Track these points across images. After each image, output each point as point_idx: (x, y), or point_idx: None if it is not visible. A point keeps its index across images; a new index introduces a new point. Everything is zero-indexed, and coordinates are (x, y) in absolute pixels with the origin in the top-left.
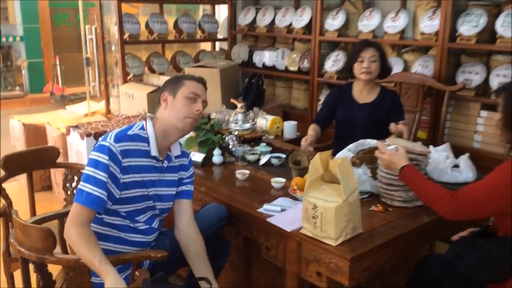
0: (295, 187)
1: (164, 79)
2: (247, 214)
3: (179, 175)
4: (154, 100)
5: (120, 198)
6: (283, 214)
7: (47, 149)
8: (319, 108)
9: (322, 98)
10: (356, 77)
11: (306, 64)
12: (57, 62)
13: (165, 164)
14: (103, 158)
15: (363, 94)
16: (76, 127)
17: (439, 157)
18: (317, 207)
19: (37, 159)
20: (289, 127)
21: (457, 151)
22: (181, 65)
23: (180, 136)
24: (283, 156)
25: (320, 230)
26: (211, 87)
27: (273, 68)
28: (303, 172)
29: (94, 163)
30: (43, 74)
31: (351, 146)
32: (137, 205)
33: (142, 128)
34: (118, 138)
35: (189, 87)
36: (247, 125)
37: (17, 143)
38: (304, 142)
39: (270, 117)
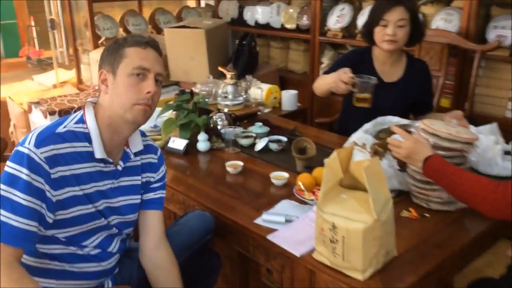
0: (302, 188)
1: None
2: (241, 227)
3: (143, 177)
4: None
5: (55, 221)
6: (288, 228)
7: None
8: (321, 72)
9: (324, 60)
10: (376, 44)
11: (305, 21)
12: (32, 23)
13: (120, 165)
14: (21, 172)
15: (386, 67)
16: (38, 103)
17: (486, 142)
18: (337, 229)
19: None
20: (288, 98)
21: (486, 121)
22: (161, 25)
23: (134, 128)
24: (284, 139)
25: (341, 259)
26: (195, 52)
27: (267, 26)
28: (309, 163)
29: (9, 180)
30: (18, 37)
31: (368, 125)
32: (82, 227)
33: (80, 120)
34: (41, 141)
35: (132, 58)
36: (239, 100)
37: None
38: (345, 77)
39: (265, 86)
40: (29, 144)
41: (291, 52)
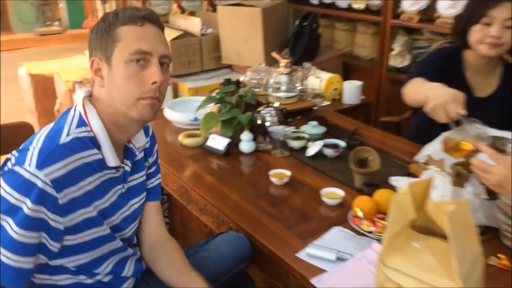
0: (359, 214)
1: (193, 23)
2: (281, 260)
3: (146, 165)
4: (178, 49)
5: (62, 248)
6: (339, 270)
7: (16, 127)
8: (391, 59)
9: (396, 47)
10: (471, 47)
11: (376, 1)
12: None
13: (128, 165)
14: (23, 203)
15: (479, 78)
16: (81, 83)
17: None
18: None
19: (3, 141)
20: (351, 90)
21: None
22: (217, 1)
23: (142, 126)
24: (342, 144)
25: None
26: (250, 33)
27: (332, 5)
28: (371, 178)
29: (7, 208)
30: (82, 8)
31: (447, 135)
32: (94, 252)
33: (82, 122)
34: (44, 159)
35: (128, 41)
36: (293, 92)
37: (26, 96)
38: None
39: (325, 76)
40: (30, 165)
41: (358, 36)
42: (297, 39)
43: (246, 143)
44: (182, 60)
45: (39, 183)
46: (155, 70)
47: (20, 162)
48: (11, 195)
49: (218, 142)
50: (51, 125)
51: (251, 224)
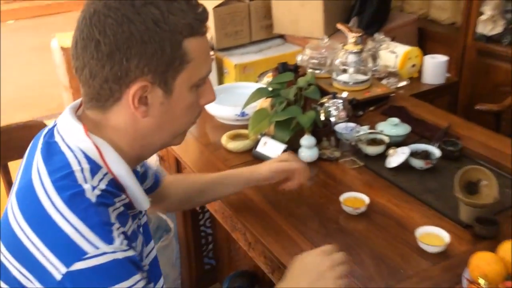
0: (482, 284)
1: None
2: None
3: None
4: (223, 18)
5: None
6: None
7: (28, 126)
8: (479, 26)
9: (486, 11)
10: None
11: None
12: None
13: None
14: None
15: None
16: None
17: None
18: None
19: (14, 142)
20: (434, 67)
21: None
22: None
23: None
24: (435, 152)
25: None
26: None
27: None
28: (486, 212)
29: None
30: None
31: None
32: None
33: (94, 165)
34: (102, 226)
35: (199, 62)
36: (364, 76)
37: (59, 71)
38: None
39: (401, 50)
40: (103, 241)
41: None
42: (362, 5)
43: (307, 150)
44: (227, 30)
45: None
46: (211, 88)
47: (107, 240)
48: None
49: (271, 148)
50: (56, 174)
51: None
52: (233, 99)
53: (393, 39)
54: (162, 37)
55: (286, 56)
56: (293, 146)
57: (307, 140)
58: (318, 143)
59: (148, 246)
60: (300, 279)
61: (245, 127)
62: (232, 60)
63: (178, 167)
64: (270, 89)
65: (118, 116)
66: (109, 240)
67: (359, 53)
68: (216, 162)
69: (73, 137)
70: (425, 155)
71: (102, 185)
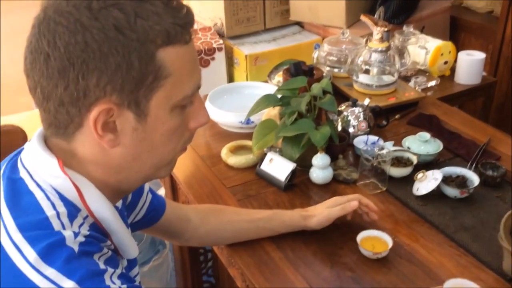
0: None
1: None
2: None
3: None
4: (234, 3)
5: None
6: None
7: (5, 133)
8: None
9: None
10: None
11: None
12: None
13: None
14: None
15: None
16: None
17: None
18: None
19: None
20: (470, 65)
21: None
22: None
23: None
24: (474, 179)
25: None
26: None
27: None
28: None
29: None
30: None
31: None
32: None
33: (72, 209)
34: (85, 276)
35: (180, 76)
36: (390, 78)
37: None
38: None
39: (433, 44)
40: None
41: None
42: None
43: (320, 171)
44: (238, 16)
45: None
46: (203, 107)
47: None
48: None
49: (278, 167)
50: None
51: None
52: (240, 101)
53: (422, 29)
54: (128, 47)
55: (302, 47)
56: (303, 165)
57: (320, 160)
58: (333, 160)
59: (132, 271)
60: None
61: (250, 136)
62: (243, 50)
63: (172, 182)
64: (279, 96)
65: (84, 145)
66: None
67: (385, 51)
68: (213, 180)
69: (44, 173)
70: (461, 182)
71: (85, 231)
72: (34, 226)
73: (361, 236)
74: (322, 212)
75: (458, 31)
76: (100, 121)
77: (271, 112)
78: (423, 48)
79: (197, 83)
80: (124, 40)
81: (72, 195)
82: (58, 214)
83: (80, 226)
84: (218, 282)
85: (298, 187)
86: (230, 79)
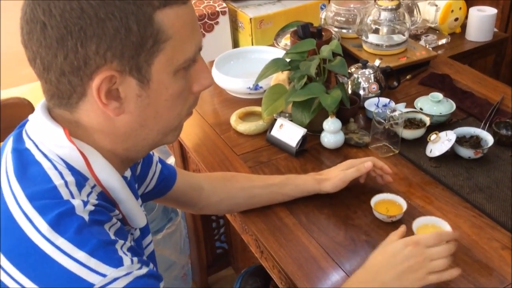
0: None
1: None
2: None
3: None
4: None
5: None
6: None
7: (12, 105)
8: None
9: None
10: None
11: None
12: None
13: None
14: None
15: None
16: None
17: None
18: None
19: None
20: (481, 21)
21: None
22: None
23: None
24: (488, 139)
25: None
26: None
27: None
28: None
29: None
30: None
31: None
32: None
33: (81, 178)
34: (99, 246)
35: (180, 38)
36: (400, 37)
37: None
38: None
39: (443, 1)
40: (109, 265)
41: None
42: None
43: (331, 135)
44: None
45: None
46: (205, 69)
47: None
48: None
49: (289, 133)
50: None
51: None
52: (247, 66)
53: None
54: (125, 10)
55: (308, 8)
56: (314, 130)
57: (331, 124)
58: (344, 124)
59: (145, 239)
60: (381, 273)
61: (259, 102)
62: (247, 13)
63: (182, 151)
64: (287, 60)
65: (89, 115)
66: (116, 262)
67: (394, 9)
68: (223, 148)
69: (50, 143)
70: (475, 143)
71: (93, 200)
72: (43, 195)
73: (375, 199)
74: (337, 175)
75: None
76: (103, 89)
77: (280, 76)
78: (433, 5)
79: (198, 44)
80: (120, 3)
81: (79, 164)
82: (66, 183)
83: (88, 195)
84: (231, 248)
85: (310, 153)
86: (235, 43)
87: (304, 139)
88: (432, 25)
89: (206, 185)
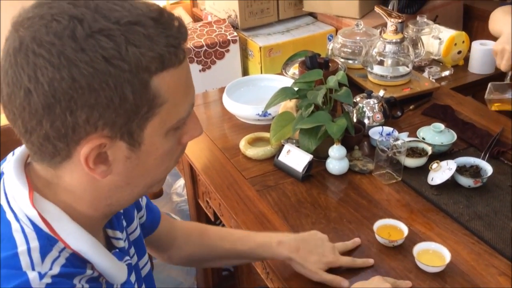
0: None
1: None
2: None
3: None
4: None
5: None
6: None
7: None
8: None
9: None
10: None
11: None
12: None
13: (122, 239)
14: None
15: None
16: None
17: None
18: None
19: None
20: (483, 55)
21: None
22: None
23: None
24: (487, 169)
25: None
26: None
27: None
28: None
29: None
30: None
31: None
32: None
33: (46, 242)
34: None
35: (175, 100)
36: (404, 69)
37: None
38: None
39: (446, 34)
40: None
41: None
42: None
43: (336, 162)
44: (252, 8)
45: None
46: (196, 120)
47: None
48: None
49: (295, 159)
50: None
51: None
52: (256, 94)
53: (436, 18)
54: (120, 79)
55: (316, 38)
56: (320, 156)
57: (336, 151)
58: (349, 151)
59: (142, 260)
60: None
61: (267, 128)
62: (257, 42)
63: (192, 173)
64: (295, 88)
65: (72, 175)
66: None
67: (399, 42)
68: (232, 172)
69: (20, 201)
70: (475, 172)
71: (56, 269)
72: (4, 263)
73: (377, 224)
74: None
75: (471, 20)
76: (92, 156)
77: (288, 104)
78: (437, 38)
79: (191, 102)
80: (115, 72)
81: (45, 226)
82: (29, 249)
83: (53, 262)
84: (236, 270)
85: (315, 178)
86: (245, 70)
87: (310, 164)
88: (436, 58)
89: (179, 235)
